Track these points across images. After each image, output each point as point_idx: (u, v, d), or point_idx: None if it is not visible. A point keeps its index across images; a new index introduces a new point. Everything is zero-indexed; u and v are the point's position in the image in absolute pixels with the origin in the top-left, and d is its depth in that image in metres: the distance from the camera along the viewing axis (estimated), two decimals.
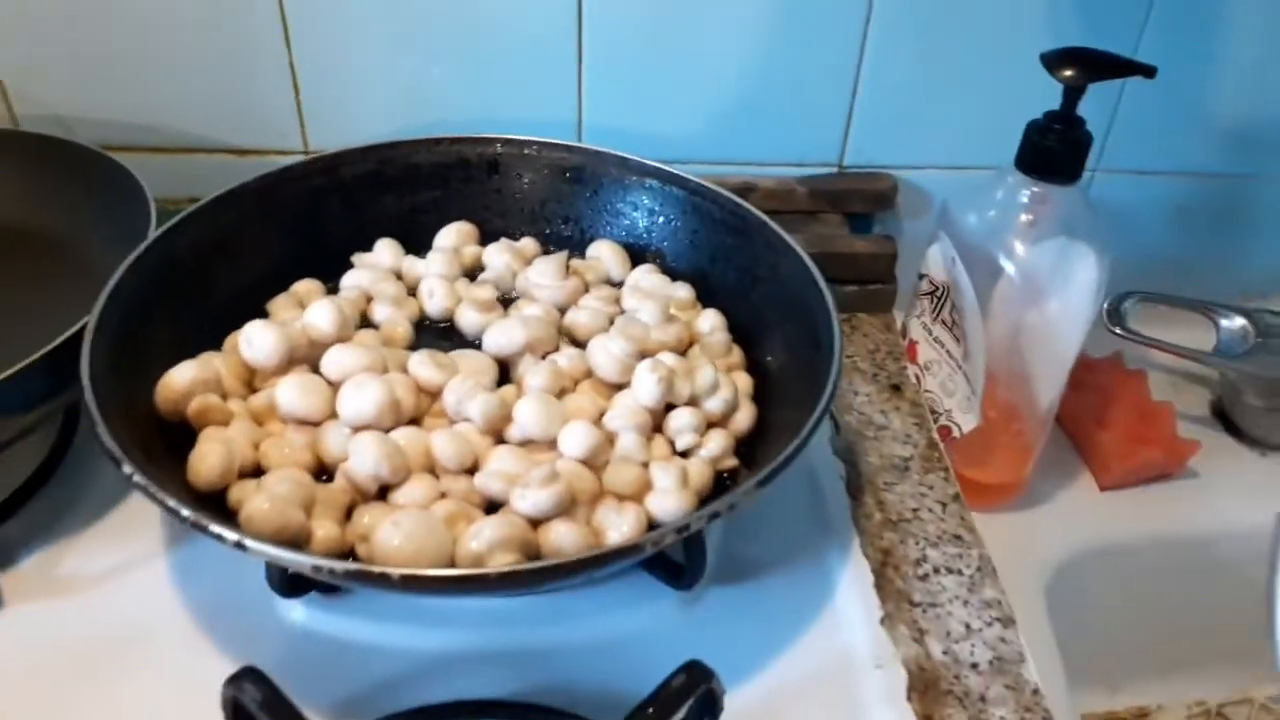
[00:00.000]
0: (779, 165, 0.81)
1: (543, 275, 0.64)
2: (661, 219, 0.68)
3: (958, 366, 0.73)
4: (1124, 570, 0.77)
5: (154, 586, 0.53)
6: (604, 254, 0.67)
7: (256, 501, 0.45)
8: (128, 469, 0.43)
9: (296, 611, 0.52)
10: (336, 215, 0.66)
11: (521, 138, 0.69)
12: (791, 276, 0.59)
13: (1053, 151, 0.62)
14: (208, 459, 0.48)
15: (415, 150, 0.68)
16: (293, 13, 0.72)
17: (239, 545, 0.41)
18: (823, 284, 0.57)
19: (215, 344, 0.57)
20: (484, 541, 0.45)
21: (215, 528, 0.41)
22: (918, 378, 0.75)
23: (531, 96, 0.76)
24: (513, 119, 0.76)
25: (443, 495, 0.50)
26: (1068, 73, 0.60)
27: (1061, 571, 0.73)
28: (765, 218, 0.63)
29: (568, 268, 0.65)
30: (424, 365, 0.54)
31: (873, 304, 0.81)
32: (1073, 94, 0.61)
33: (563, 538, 0.47)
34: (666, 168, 0.67)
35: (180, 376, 0.51)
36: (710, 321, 0.62)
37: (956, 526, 0.62)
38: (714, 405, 0.55)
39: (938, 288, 0.73)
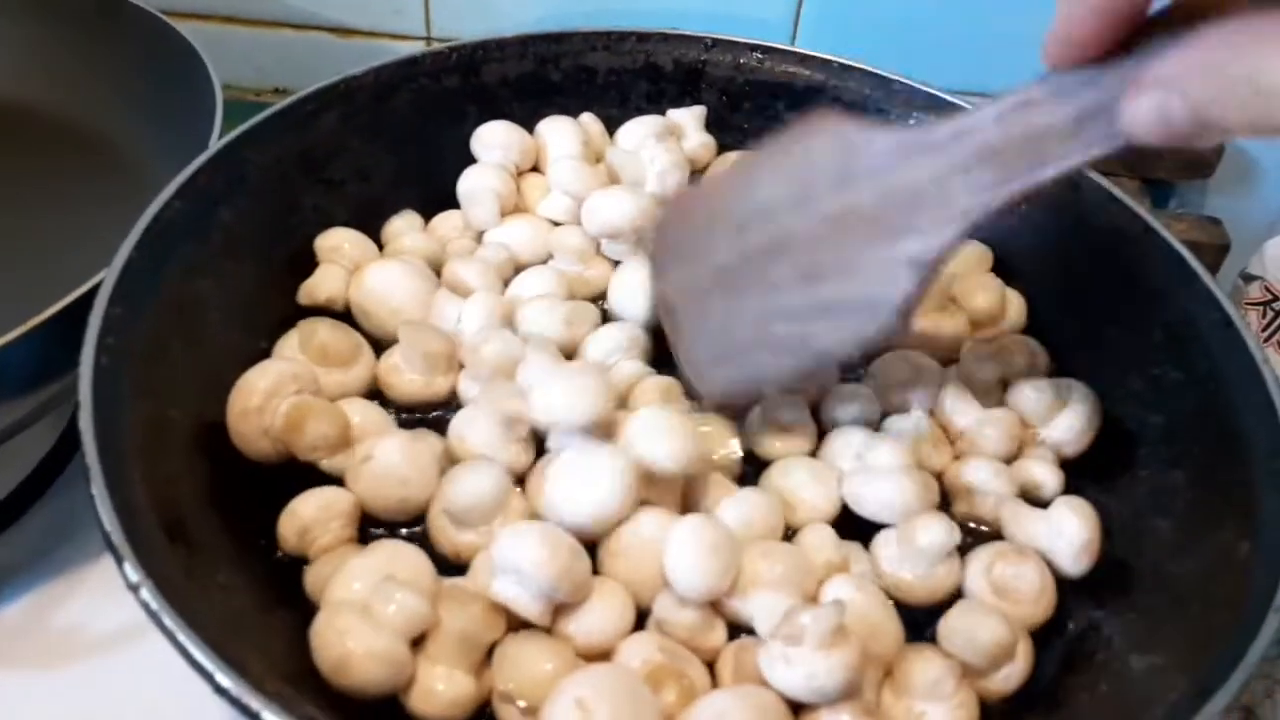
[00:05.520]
0: None
1: None
2: None
3: None
4: None
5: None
6: None
7: (357, 641, 0.26)
8: (133, 575, 0.25)
9: None
10: (473, 131, 0.46)
11: (738, 39, 0.48)
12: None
13: None
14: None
15: (590, 47, 0.47)
16: None
17: None
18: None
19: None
20: None
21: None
22: None
23: None
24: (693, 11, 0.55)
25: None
26: None
27: None
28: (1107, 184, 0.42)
29: None
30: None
31: None
32: None
33: None
34: (947, 97, 0.46)
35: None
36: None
37: None
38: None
39: (1278, 298, 0.53)
